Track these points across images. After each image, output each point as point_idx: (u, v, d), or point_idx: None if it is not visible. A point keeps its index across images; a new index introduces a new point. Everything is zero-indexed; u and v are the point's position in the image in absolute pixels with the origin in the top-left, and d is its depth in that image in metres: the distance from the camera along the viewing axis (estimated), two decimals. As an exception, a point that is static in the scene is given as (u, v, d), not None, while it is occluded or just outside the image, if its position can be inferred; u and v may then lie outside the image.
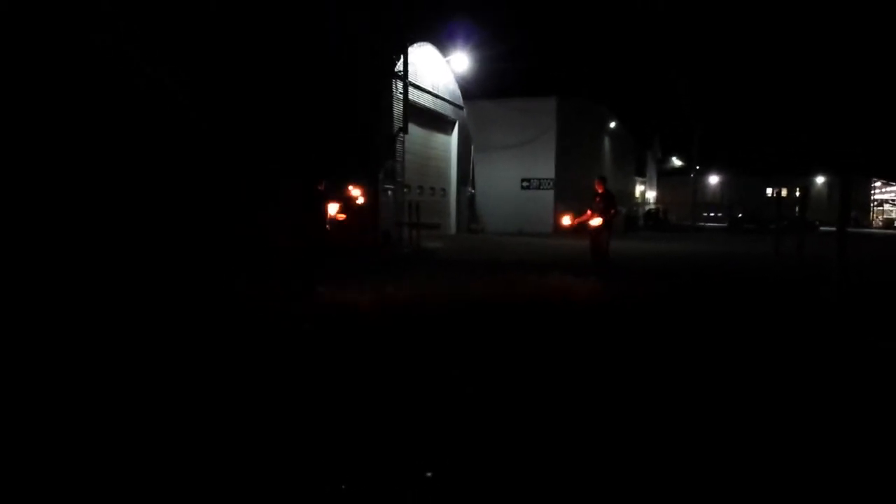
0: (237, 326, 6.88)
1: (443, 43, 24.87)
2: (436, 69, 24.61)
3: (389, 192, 19.72)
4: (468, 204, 29.24)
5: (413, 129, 21.40)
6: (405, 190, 21.08)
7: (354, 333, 6.84)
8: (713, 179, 79.52)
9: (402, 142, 20.44)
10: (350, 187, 9.65)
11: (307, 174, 9.38)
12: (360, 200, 9.79)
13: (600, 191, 12.55)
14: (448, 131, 27.63)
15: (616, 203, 12.94)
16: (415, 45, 21.52)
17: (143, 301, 7.95)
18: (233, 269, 9.92)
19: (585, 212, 12.66)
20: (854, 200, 64.41)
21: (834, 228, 10.70)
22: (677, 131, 64.83)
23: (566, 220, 13.16)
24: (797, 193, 56.29)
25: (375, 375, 5.17)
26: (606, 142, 40.68)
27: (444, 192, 27.66)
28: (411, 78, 20.24)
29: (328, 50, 12.12)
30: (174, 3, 10.06)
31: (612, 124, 40.94)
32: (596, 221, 12.27)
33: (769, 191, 70.15)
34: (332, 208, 9.27)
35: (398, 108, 19.87)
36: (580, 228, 13.15)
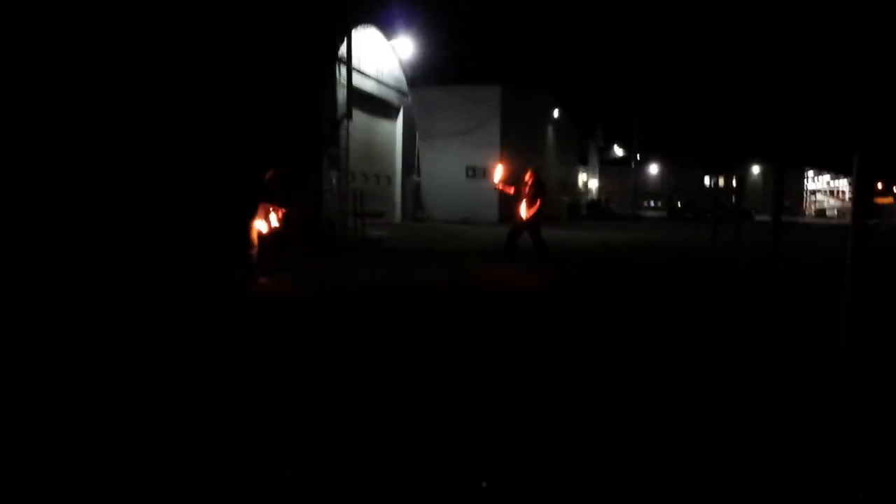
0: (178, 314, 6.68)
1: (387, 26, 24.61)
2: (380, 54, 24.34)
3: (333, 180, 19.46)
4: (413, 192, 29.12)
5: (357, 115, 21.15)
6: (349, 178, 20.84)
7: (292, 323, 6.72)
8: (654, 169, 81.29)
9: (346, 128, 20.19)
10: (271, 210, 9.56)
11: (248, 163, 9.16)
12: (275, 224, 9.68)
13: (529, 180, 12.58)
14: (393, 118, 27.42)
15: (545, 192, 12.99)
16: (359, 27, 21.23)
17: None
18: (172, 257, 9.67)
19: (512, 190, 12.78)
20: (788, 190, 66.66)
21: (769, 217, 10.98)
22: (619, 121, 65.99)
23: (496, 177, 13.32)
24: (734, 183, 58.01)
25: (307, 363, 5.07)
26: (550, 130, 41.02)
27: (389, 179, 27.48)
28: (355, 63, 19.97)
29: (268, 31, 11.78)
30: None
31: (556, 113, 41.28)
32: (524, 212, 12.38)
33: (707, 180, 72.02)
34: (261, 225, 9.19)
35: (342, 93, 19.59)
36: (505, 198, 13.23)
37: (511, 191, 12.78)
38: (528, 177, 12.66)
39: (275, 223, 9.36)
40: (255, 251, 8.98)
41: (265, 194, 9.16)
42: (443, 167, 31.98)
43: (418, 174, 29.79)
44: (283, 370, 5.00)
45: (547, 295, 9.20)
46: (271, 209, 9.39)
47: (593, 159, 62.04)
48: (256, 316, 7.15)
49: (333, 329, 6.51)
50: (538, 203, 12.44)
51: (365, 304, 8.01)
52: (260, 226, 9.14)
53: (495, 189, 13.39)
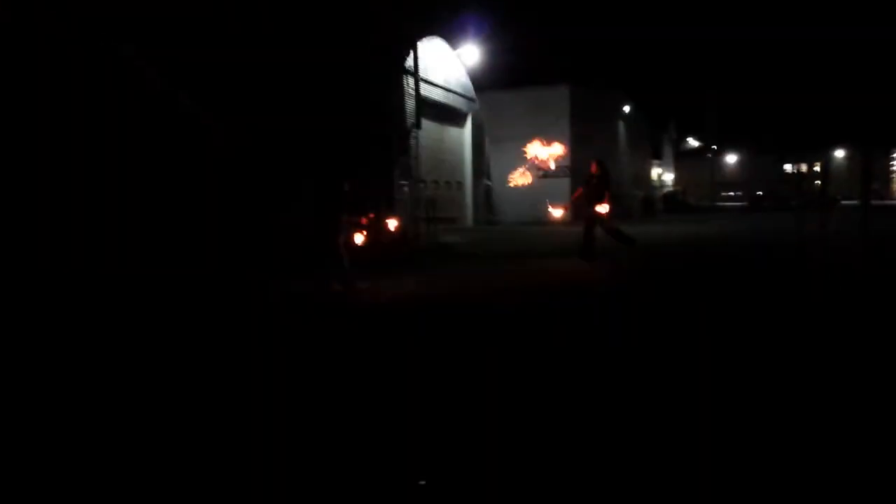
0: (279, 321, 6.97)
1: (452, 36, 24.82)
2: (446, 62, 24.58)
3: (405, 189, 19.75)
4: (484, 196, 29.21)
5: (426, 123, 21.41)
6: (421, 185, 21.10)
7: (393, 327, 6.92)
8: (731, 158, 78.78)
9: (416, 137, 20.46)
10: (385, 218, 9.99)
11: (327, 174, 9.52)
12: (393, 227, 10.12)
13: (595, 172, 12.44)
14: (461, 124, 27.61)
15: (610, 183, 12.75)
16: (424, 39, 21.50)
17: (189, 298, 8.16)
18: (265, 266, 10.16)
19: (581, 191, 12.64)
20: (874, 172, 63.56)
21: (856, 202, 10.57)
22: (693, 112, 64.32)
23: (557, 213, 13.28)
24: (816, 168, 55.78)
25: (409, 365, 5.23)
26: (621, 126, 40.41)
27: (460, 185, 27.65)
28: (422, 73, 20.24)
29: (339, 48, 12.13)
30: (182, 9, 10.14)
31: (626, 108, 40.64)
32: (603, 209, 12.20)
33: (788, 167, 69.38)
34: (358, 238, 9.50)
35: (410, 103, 19.88)
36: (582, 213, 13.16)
37: (580, 192, 12.71)
38: (593, 169, 12.53)
39: (366, 233, 9.66)
40: (347, 260, 9.29)
41: (348, 206, 9.46)
42: (513, 169, 31.91)
43: (489, 178, 29.86)
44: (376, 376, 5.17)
45: (624, 296, 9.13)
46: (362, 219, 9.69)
47: (668, 152, 60.69)
48: (352, 325, 7.36)
49: (419, 337, 6.66)
50: (606, 196, 12.28)
51: (441, 311, 8.15)
52: (356, 237, 9.45)
53: (564, 215, 13.33)
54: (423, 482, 3.20)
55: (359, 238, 9.47)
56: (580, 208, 13.03)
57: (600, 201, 12.23)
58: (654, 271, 11.48)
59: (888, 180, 72.16)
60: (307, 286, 9.29)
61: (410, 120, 19.89)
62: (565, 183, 32.22)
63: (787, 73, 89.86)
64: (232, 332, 6.78)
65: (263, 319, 7.40)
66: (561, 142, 32.27)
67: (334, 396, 4.73)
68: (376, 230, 10.05)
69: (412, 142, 20.22)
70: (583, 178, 12.87)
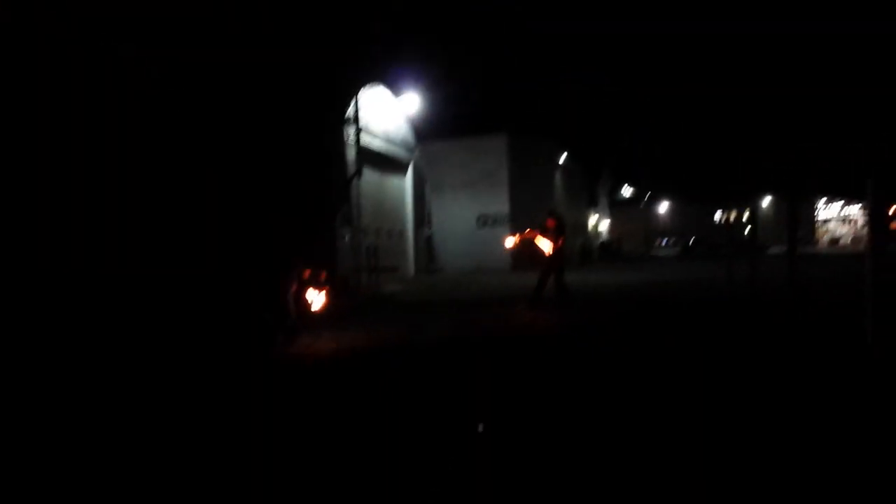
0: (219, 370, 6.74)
1: (393, 84, 25.14)
2: (387, 111, 24.81)
3: (346, 238, 19.66)
4: (426, 244, 29.32)
5: (367, 172, 21.49)
6: (362, 234, 21.05)
7: (323, 379, 6.76)
8: (663, 207, 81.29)
9: (357, 186, 20.48)
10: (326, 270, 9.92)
11: (266, 224, 9.42)
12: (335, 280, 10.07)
13: (551, 225, 12.81)
14: (402, 173, 27.79)
15: (565, 230, 13.19)
16: (366, 86, 21.69)
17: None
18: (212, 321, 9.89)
19: (533, 234, 12.93)
20: (799, 220, 66.35)
21: (783, 249, 10.97)
22: (626, 161, 66.36)
23: (509, 242, 13.48)
24: (745, 217, 57.92)
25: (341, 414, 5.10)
26: (558, 175, 41.34)
27: (402, 233, 27.70)
28: (363, 122, 20.37)
29: (279, 101, 12.13)
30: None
31: (563, 158, 41.66)
32: (546, 245, 12.54)
33: (718, 215, 71.88)
34: (315, 296, 9.41)
35: (351, 153, 19.94)
36: (536, 261, 13.47)
37: (532, 235, 12.89)
38: (549, 223, 12.84)
39: (321, 288, 9.57)
40: (293, 312, 9.14)
41: (299, 257, 9.39)
42: (454, 218, 32.26)
43: (430, 226, 30.03)
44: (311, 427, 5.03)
45: (572, 339, 9.18)
46: (311, 271, 9.59)
47: (603, 201, 62.25)
48: (293, 376, 7.19)
49: (359, 387, 6.54)
50: (560, 241, 12.64)
51: (384, 362, 8.04)
52: (312, 292, 9.33)
53: (516, 245, 13.50)
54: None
55: (312, 294, 9.37)
56: (531, 255, 13.32)
57: (553, 244, 12.58)
58: (600, 318, 11.62)
59: (813, 228, 75.52)
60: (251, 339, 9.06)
61: (351, 169, 19.93)
62: (505, 231, 32.66)
63: (718, 124, 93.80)
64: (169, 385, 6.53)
65: (206, 371, 7.17)
66: (499, 190, 33.01)
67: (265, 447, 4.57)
68: (319, 283, 9.94)
69: (353, 191, 20.24)
70: (537, 224, 13.17)
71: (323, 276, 9.63)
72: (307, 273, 9.54)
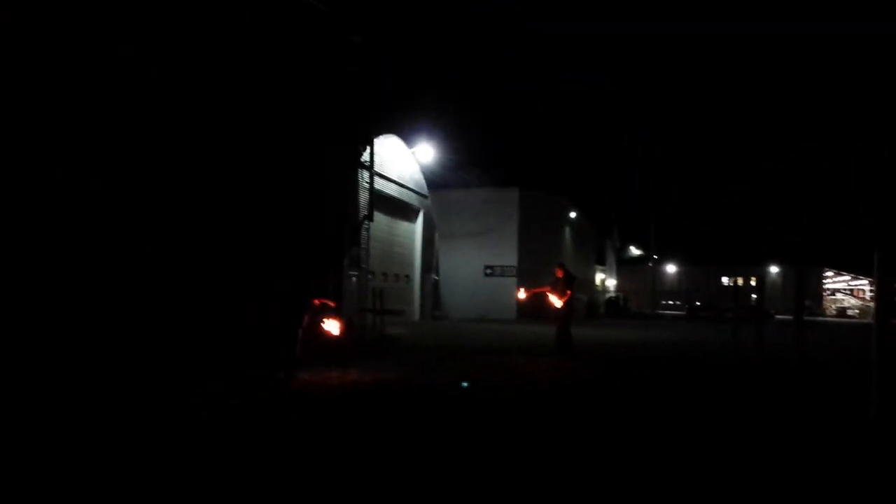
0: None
1: (408, 135, 25.60)
2: (401, 160, 25.17)
3: (353, 279, 19.74)
4: (432, 291, 29.37)
5: (378, 216, 21.68)
6: (369, 276, 21.14)
7: (327, 418, 6.78)
8: (671, 268, 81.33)
9: (367, 229, 20.66)
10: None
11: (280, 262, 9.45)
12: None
13: (560, 276, 13.21)
14: (413, 219, 28.02)
15: (574, 283, 13.68)
16: (381, 136, 22.08)
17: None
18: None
19: (539, 286, 13.44)
20: (807, 290, 66.25)
21: (789, 317, 11.01)
22: (635, 221, 66.73)
23: (521, 294, 14.14)
24: (752, 282, 57.89)
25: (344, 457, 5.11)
26: (567, 231, 41.56)
27: (409, 278, 27.79)
28: (377, 168, 20.66)
29: (296, 144, 12.31)
30: None
31: (573, 214, 41.94)
32: (557, 302, 12.94)
33: (725, 280, 71.79)
34: (331, 324, 9.45)
35: (364, 196, 20.17)
36: (541, 313, 13.90)
37: (545, 290, 13.34)
38: (558, 273, 13.26)
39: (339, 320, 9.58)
40: (300, 348, 9.14)
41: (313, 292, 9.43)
42: (461, 266, 32.38)
43: (437, 273, 30.14)
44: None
45: (577, 393, 9.17)
46: (322, 304, 9.62)
47: (610, 259, 62.37)
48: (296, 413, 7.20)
49: (355, 427, 6.55)
50: (569, 294, 13.08)
51: (383, 403, 8.05)
52: (329, 322, 9.34)
53: (528, 297, 14.29)
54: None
55: (329, 324, 9.38)
56: (539, 308, 13.91)
57: (561, 297, 13.01)
58: (607, 370, 11.61)
59: (820, 298, 75.33)
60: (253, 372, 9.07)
61: (363, 212, 20.13)
62: (512, 282, 32.76)
63: (725, 191, 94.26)
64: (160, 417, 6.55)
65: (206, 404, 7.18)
66: (508, 243, 33.22)
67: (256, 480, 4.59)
68: (331, 314, 9.97)
69: (363, 233, 20.41)
70: (549, 282, 13.75)
71: (334, 306, 9.67)
72: (319, 304, 9.58)
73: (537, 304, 13.71)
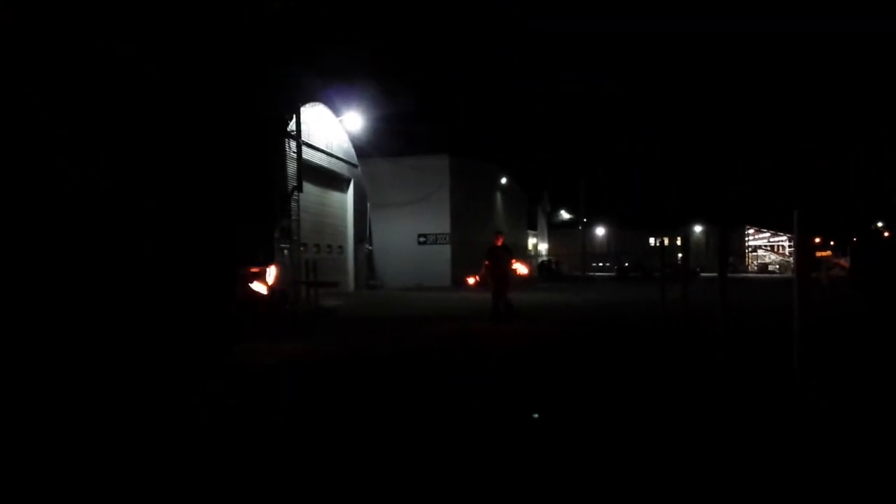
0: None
1: (335, 103, 25.09)
2: (329, 129, 24.71)
3: (285, 252, 19.40)
4: (366, 261, 29.18)
5: (308, 187, 21.29)
6: (302, 248, 20.81)
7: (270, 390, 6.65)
8: (600, 231, 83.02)
9: (297, 200, 20.28)
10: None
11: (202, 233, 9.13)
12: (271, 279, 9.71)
13: (500, 244, 13.28)
14: (343, 189, 27.66)
15: (513, 253, 14.12)
16: (307, 104, 21.59)
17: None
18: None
19: (482, 267, 13.59)
20: (731, 247, 68.72)
21: (714, 274, 11.32)
22: (565, 185, 67.66)
23: (471, 281, 14.49)
24: (678, 242, 59.61)
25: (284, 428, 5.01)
26: (499, 197, 41.80)
27: (342, 249, 27.51)
28: (305, 137, 20.23)
29: (221, 110, 11.91)
30: None
31: (503, 180, 42.16)
32: (523, 268, 13.77)
33: (652, 240, 73.73)
34: (260, 286, 9.12)
35: (292, 166, 19.75)
36: (482, 281, 14.24)
37: (487, 264, 13.43)
38: (498, 241, 13.42)
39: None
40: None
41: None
42: (395, 235, 32.23)
43: (370, 243, 29.92)
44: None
45: (522, 349, 9.25)
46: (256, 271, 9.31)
47: (541, 223, 63.17)
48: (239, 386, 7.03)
49: (301, 398, 6.45)
50: (513, 261, 13.70)
51: (321, 373, 7.95)
52: (258, 287, 9.00)
53: (479, 281, 14.84)
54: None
55: (257, 286, 9.07)
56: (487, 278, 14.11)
57: (515, 262, 13.95)
58: (548, 331, 11.76)
59: (743, 255, 78.31)
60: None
61: (292, 183, 19.73)
62: (446, 250, 32.82)
63: (653, 151, 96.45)
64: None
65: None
66: (440, 210, 33.20)
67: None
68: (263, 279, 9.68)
69: (293, 204, 20.03)
70: (485, 250, 13.80)
71: (266, 271, 9.37)
72: (252, 271, 9.29)
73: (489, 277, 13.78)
